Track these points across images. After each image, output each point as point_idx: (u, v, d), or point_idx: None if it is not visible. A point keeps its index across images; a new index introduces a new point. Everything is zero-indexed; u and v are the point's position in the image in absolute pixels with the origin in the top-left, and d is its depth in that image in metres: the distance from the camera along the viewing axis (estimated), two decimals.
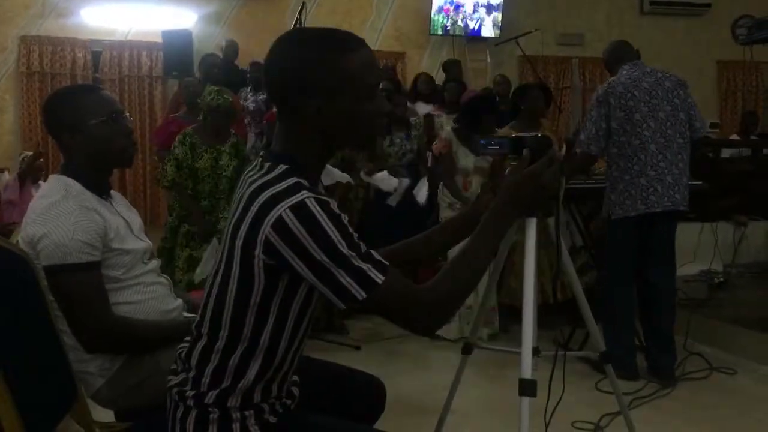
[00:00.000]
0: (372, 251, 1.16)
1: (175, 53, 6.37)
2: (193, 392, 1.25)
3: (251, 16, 6.63)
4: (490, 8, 7.56)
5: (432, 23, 7.47)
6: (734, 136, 6.99)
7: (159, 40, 6.51)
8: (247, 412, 1.25)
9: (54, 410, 1.46)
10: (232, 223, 1.20)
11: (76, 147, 1.66)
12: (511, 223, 1.40)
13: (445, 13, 7.49)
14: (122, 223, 1.68)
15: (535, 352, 1.89)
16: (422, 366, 3.54)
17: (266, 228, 1.12)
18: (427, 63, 7.47)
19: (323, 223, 1.11)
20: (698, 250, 4.47)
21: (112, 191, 1.76)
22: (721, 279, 4.57)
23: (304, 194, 1.12)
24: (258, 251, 1.14)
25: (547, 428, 1.72)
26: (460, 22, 7.55)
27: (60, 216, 1.54)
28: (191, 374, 1.27)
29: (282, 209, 1.11)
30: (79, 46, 6.69)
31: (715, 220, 4.58)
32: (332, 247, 1.11)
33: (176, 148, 3.69)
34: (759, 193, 4.92)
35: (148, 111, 6.87)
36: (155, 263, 1.78)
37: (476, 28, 7.59)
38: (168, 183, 3.71)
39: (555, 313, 3.77)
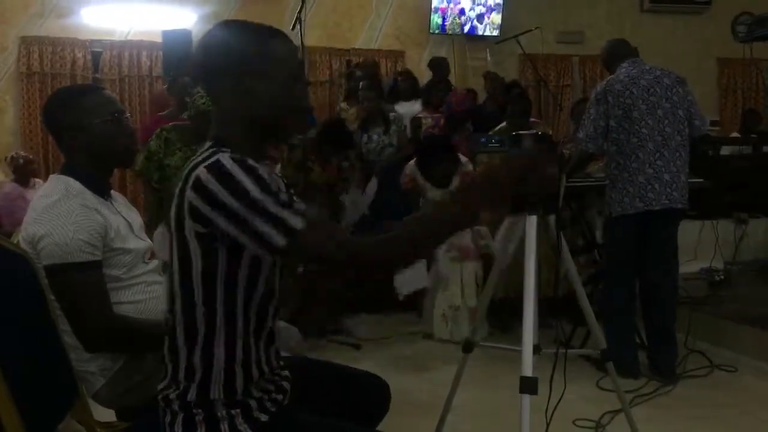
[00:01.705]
0: (295, 200, 1.17)
1: (175, 53, 6.35)
2: (176, 393, 1.25)
3: (250, 15, 6.61)
4: (489, 7, 7.56)
5: (432, 22, 7.47)
6: (735, 134, 6.99)
7: (159, 40, 6.50)
8: (233, 411, 1.24)
9: (55, 410, 1.46)
10: (170, 208, 1.24)
11: (78, 146, 1.66)
12: (486, 208, 1.29)
13: (441, 12, 7.47)
14: (123, 223, 1.68)
15: (536, 349, 1.89)
16: (422, 365, 3.54)
17: (188, 193, 1.16)
18: (426, 62, 7.45)
19: (236, 174, 1.14)
20: (699, 247, 4.47)
21: (112, 191, 1.76)
22: (722, 276, 4.56)
23: (219, 155, 1.17)
24: (187, 220, 1.17)
25: (548, 426, 1.72)
26: (459, 21, 7.54)
27: (61, 215, 1.54)
28: (170, 375, 1.27)
29: (199, 171, 1.16)
30: (79, 47, 6.68)
31: (715, 217, 4.57)
32: (246, 195, 1.13)
33: (152, 140, 3.68)
34: (759, 190, 4.93)
35: (148, 111, 6.86)
36: (156, 263, 1.78)
37: (476, 26, 7.58)
38: (136, 171, 3.71)
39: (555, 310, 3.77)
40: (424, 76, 6.32)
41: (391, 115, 4.82)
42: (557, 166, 1.38)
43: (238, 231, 1.14)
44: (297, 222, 1.13)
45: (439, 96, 5.22)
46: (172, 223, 1.21)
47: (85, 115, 1.64)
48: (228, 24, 1.33)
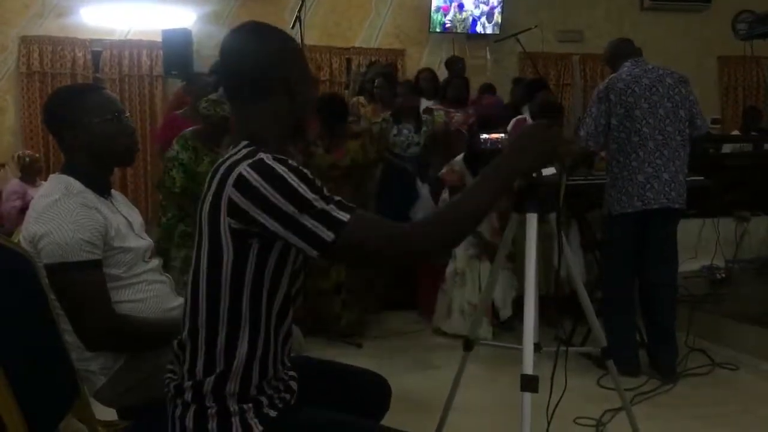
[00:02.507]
0: (336, 196, 1.18)
1: (175, 52, 6.35)
2: (190, 383, 1.26)
3: (251, 14, 6.61)
4: (490, 5, 7.55)
5: (431, 20, 7.46)
6: (736, 132, 6.99)
7: (159, 39, 6.51)
8: (245, 405, 1.25)
9: (56, 409, 1.45)
10: (200, 204, 1.24)
11: (78, 145, 1.66)
12: (519, 171, 1.31)
13: (444, 11, 7.47)
14: (123, 222, 1.68)
15: (537, 348, 1.89)
16: (424, 363, 3.54)
17: (228, 189, 1.16)
18: (427, 60, 7.45)
19: (282, 173, 1.15)
20: (700, 246, 4.46)
21: (112, 190, 1.76)
22: (723, 275, 4.56)
23: (261, 154, 1.18)
24: (223, 216, 1.17)
25: (549, 424, 1.72)
26: (459, 19, 7.53)
27: (61, 214, 1.54)
28: (186, 367, 1.27)
29: (241, 169, 1.16)
30: (79, 46, 6.68)
31: (716, 215, 4.57)
32: (294, 194, 1.14)
33: (180, 153, 3.64)
34: (760, 188, 4.92)
35: (148, 110, 6.86)
36: (156, 262, 1.78)
37: (476, 25, 7.58)
38: (179, 189, 3.66)
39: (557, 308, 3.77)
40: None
41: (424, 116, 4.87)
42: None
43: (285, 228, 1.15)
44: (343, 215, 1.15)
45: (454, 92, 5.32)
46: (204, 219, 1.22)
47: (86, 114, 1.65)
48: (252, 32, 1.33)
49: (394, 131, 4.70)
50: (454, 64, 6.28)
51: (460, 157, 4.08)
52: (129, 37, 6.84)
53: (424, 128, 4.76)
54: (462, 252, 3.92)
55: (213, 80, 4.72)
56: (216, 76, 4.83)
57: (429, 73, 5.85)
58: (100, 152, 1.67)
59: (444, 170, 4.12)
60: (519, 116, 4.64)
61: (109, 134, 1.67)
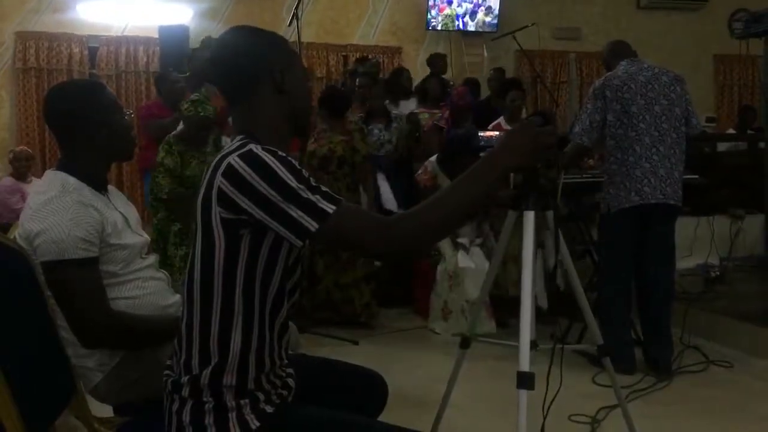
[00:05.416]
0: (323, 186, 1.20)
1: (172, 49, 6.32)
2: (187, 377, 1.26)
3: (248, 11, 6.61)
4: (477, 3, 7.55)
5: (429, 18, 7.46)
6: (731, 130, 7.02)
7: (155, 35, 6.49)
8: (242, 401, 1.26)
9: (52, 405, 1.46)
10: (196, 197, 1.27)
11: (96, 141, 1.64)
12: (504, 170, 1.28)
13: (431, 7, 7.46)
14: (119, 218, 1.68)
15: (533, 345, 1.90)
16: (420, 360, 3.55)
17: (218, 179, 1.19)
18: (423, 58, 7.44)
19: (270, 163, 1.17)
20: (695, 244, 4.48)
21: (108, 186, 1.75)
22: (718, 273, 4.57)
23: (251, 145, 1.21)
24: (214, 206, 1.20)
25: (544, 421, 1.73)
26: (443, 16, 7.51)
27: (57, 212, 1.53)
28: (182, 360, 1.28)
29: (230, 159, 1.19)
30: (76, 42, 6.67)
31: (711, 213, 4.59)
32: (280, 183, 1.16)
33: (165, 159, 3.64)
34: (755, 187, 4.94)
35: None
36: (153, 258, 1.78)
37: (466, 23, 7.57)
38: (167, 195, 3.67)
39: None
40: (419, 72, 6.35)
41: (394, 113, 4.87)
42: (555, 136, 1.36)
43: (270, 216, 1.16)
44: (328, 206, 1.16)
45: (431, 92, 5.30)
46: (198, 211, 1.24)
47: (110, 111, 1.67)
48: (243, 32, 1.37)
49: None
50: (434, 61, 6.25)
51: (433, 157, 4.11)
52: (126, 33, 6.83)
53: (394, 124, 4.76)
54: (450, 252, 3.92)
55: (183, 78, 4.69)
56: (187, 75, 4.82)
57: (408, 72, 5.86)
58: (114, 147, 1.68)
59: (419, 171, 4.15)
60: (496, 121, 4.70)
61: (128, 129, 1.71)
